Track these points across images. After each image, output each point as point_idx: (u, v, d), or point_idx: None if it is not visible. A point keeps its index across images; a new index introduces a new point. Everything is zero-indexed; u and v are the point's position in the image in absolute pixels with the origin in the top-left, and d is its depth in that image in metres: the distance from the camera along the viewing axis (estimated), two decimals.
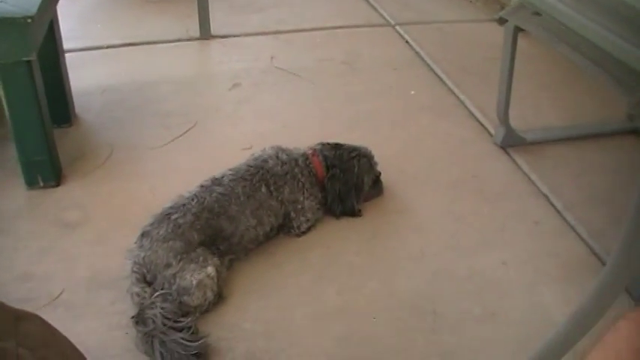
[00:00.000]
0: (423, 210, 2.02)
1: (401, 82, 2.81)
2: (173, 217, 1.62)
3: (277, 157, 1.83)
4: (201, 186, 1.73)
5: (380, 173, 2.00)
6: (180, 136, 2.34)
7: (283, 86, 2.73)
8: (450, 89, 2.74)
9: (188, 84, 2.77)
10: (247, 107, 2.56)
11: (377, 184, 2.01)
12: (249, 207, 1.72)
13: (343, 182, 1.88)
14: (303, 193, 1.83)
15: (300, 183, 1.83)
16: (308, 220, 1.86)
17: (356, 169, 1.89)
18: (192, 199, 1.67)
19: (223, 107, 2.56)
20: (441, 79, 2.82)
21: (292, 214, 1.82)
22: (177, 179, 2.01)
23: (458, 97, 2.67)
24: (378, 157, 2.00)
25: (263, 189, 1.76)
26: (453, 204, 2.05)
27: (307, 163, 1.88)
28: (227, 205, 1.69)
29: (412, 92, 2.72)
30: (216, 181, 1.74)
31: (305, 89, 2.71)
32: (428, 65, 2.95)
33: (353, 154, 1.91)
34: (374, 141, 2.22)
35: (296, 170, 1.83)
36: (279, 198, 1.79)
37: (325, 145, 1.95)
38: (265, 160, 1.81)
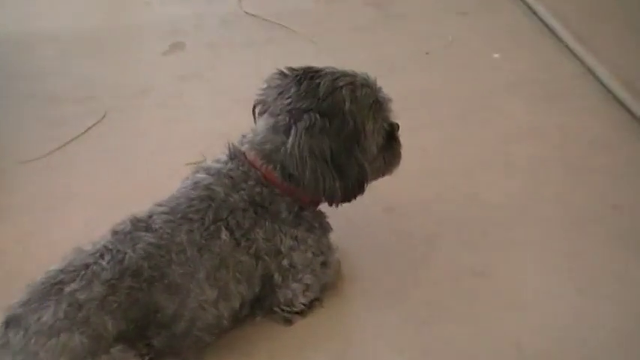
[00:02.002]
0: (520, 270, 1.90)
1: (474, 37, 2.80)
2: (67, 288, 1.53)
3: (223, 178, 1.77)
4: (115, 232, 1.64)
5: (397, 125, 1.86)
6: (76, 138, 2.34)
7: (260, 48, 2.76)
8: (567, 48, 2.71)
9: (90, 44, 2.81)
10: (196, 86, 2.57)
11: (391, 145, 1.85)
12: (204, 267, 1.65)
13: (333, 134, 1.73)
14: (284, 233, 1.78)
15: (268, 215, 1.76)
16: (307, 287, 1.80)
17: (347, 106, 1.75)
18: (102, 256, 1.59)
19: (154, 86, 2.57)
20: (549, 29, 2.81)
21: (276, 277, 1.77)
22: (70, 217, 2.00)
23: (582, 62, 2.62)
24: (434, 171, 2.03)
25: (224, 235, 1.69)
26: (578, 260, 1.90)
27: (252, 172, 1.77)
28: (165, 264, 1.61)
29: (495, 55, 2.71)
30: (140, 224, 1.65)
31: (300, 52, 2.70)
32: (525, 3, 2.92)
33: (339, 83, 1.75)
34: (427, 143, 2.25)
35: (256, 190, 1.76)
36: (252, 249, 1.72)
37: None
38: (210, 188, 1.74)
